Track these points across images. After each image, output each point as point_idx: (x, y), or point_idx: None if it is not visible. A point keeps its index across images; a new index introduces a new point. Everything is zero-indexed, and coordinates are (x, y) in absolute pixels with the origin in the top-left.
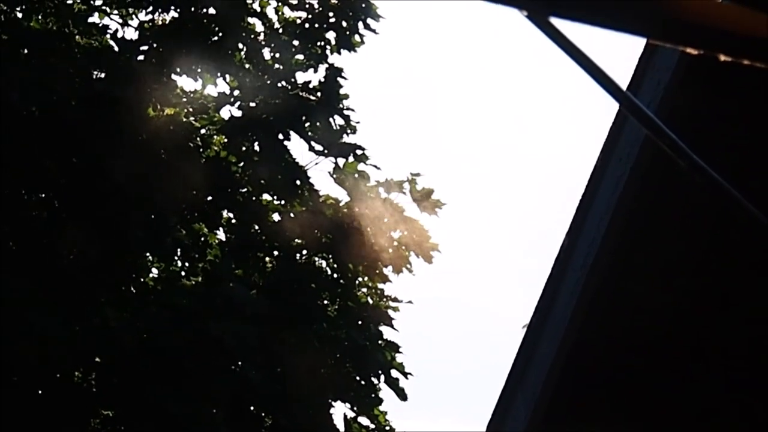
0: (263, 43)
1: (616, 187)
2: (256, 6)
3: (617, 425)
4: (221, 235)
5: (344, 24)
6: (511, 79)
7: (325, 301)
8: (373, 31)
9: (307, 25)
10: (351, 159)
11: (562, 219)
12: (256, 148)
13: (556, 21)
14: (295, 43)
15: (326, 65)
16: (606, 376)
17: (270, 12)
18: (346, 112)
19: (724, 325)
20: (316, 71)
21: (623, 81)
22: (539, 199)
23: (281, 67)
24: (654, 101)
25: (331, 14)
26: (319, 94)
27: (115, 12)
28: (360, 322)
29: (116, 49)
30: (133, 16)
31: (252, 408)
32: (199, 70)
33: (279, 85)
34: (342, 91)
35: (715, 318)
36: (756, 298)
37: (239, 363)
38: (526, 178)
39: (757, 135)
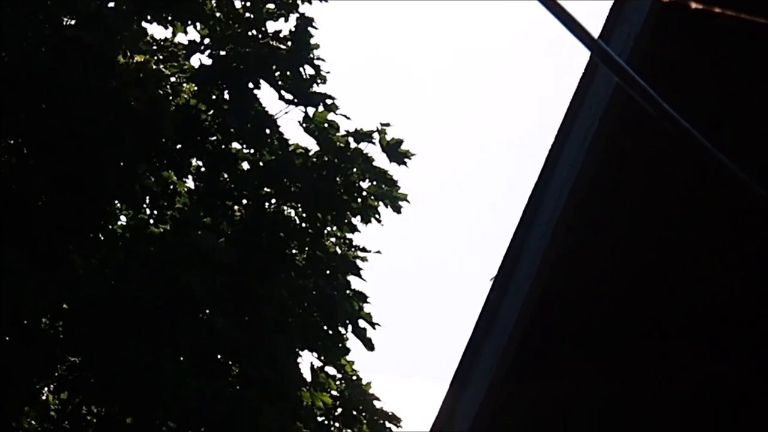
0: None
1: (585, 137)
2: None
3: (584, 375)
4: (190, 183)
5: None
6: (481, 28)
7: (294, 251)
8: None
9: None
10: (321, 108)
11: (531, 171)
12: (226, 96)
13: None
14: None
15: (297, 15)
16: (573, 327)
17: None
18: (316, 62)
19: (693, 276)
20: (287, 21)
21: (594, 33)
22: (508, 151)
23: (252, 16)
24: (625, 52)
25: None
26: (289, 43)
27: None
28: (328, 272)
29: None
30: None
31: (219, 357)
32: (169, 18)
33: (250, 33)
34: (312, 41)
35: (684, 269)
36: (725, 246)
37: (207, 311)
38: (496, 130)
39: (729, 84)
